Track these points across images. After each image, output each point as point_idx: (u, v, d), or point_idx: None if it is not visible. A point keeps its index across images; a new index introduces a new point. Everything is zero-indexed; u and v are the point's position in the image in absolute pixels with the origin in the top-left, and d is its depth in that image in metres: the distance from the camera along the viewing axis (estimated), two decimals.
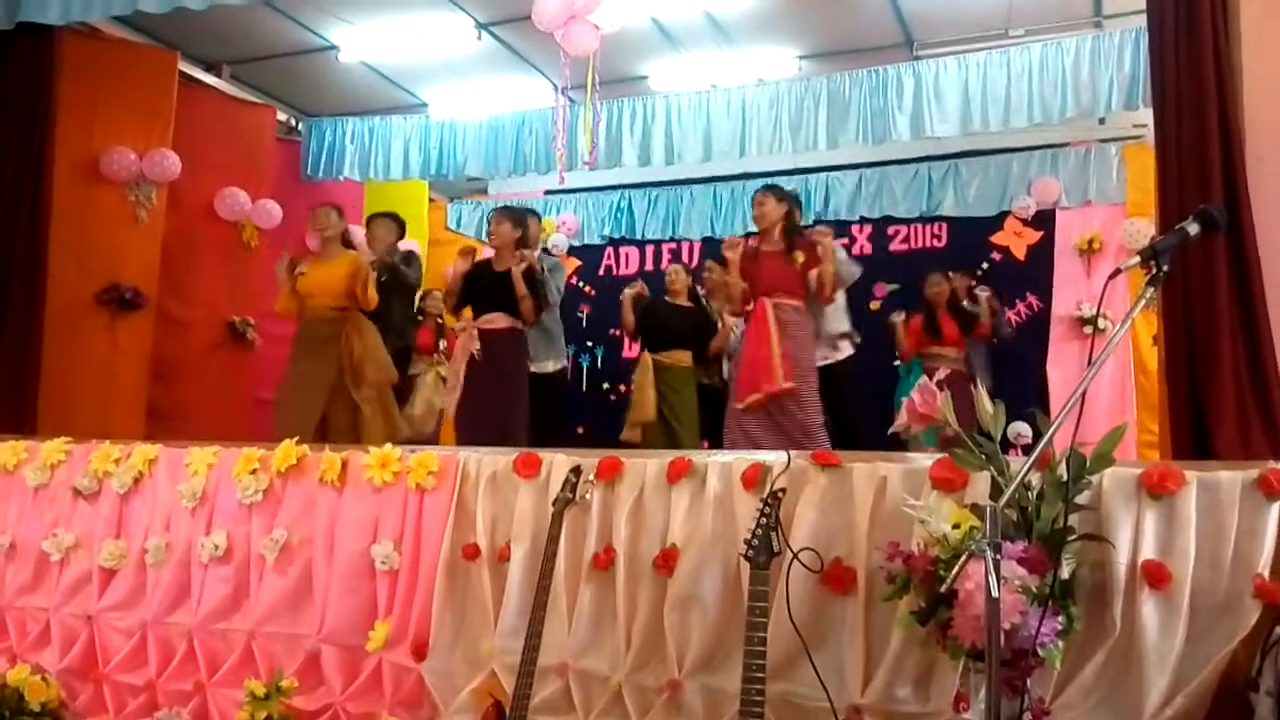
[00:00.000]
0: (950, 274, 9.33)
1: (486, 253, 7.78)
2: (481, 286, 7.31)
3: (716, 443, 7.66)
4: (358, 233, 8.44)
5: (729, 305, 7.04)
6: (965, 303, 9.34)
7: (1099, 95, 8.24)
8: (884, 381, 9.60)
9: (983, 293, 9.27)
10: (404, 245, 8.44)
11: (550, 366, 8.03)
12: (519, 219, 7.52)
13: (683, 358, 8.21)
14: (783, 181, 11.29)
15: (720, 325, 8.54)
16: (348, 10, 9.57)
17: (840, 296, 7.45)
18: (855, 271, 7.54)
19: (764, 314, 6.58)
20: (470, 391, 7.12)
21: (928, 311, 9.06)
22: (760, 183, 10.71)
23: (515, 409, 7.19)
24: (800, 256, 6.68)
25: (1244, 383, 4.65)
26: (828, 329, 7.50)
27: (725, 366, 8.66)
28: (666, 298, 8.56)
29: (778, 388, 6.38)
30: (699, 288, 8.90)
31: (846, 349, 7.74)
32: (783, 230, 6.82)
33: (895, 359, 10.02)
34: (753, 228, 11.64)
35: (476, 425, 6.97)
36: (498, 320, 7.17)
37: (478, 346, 7.09)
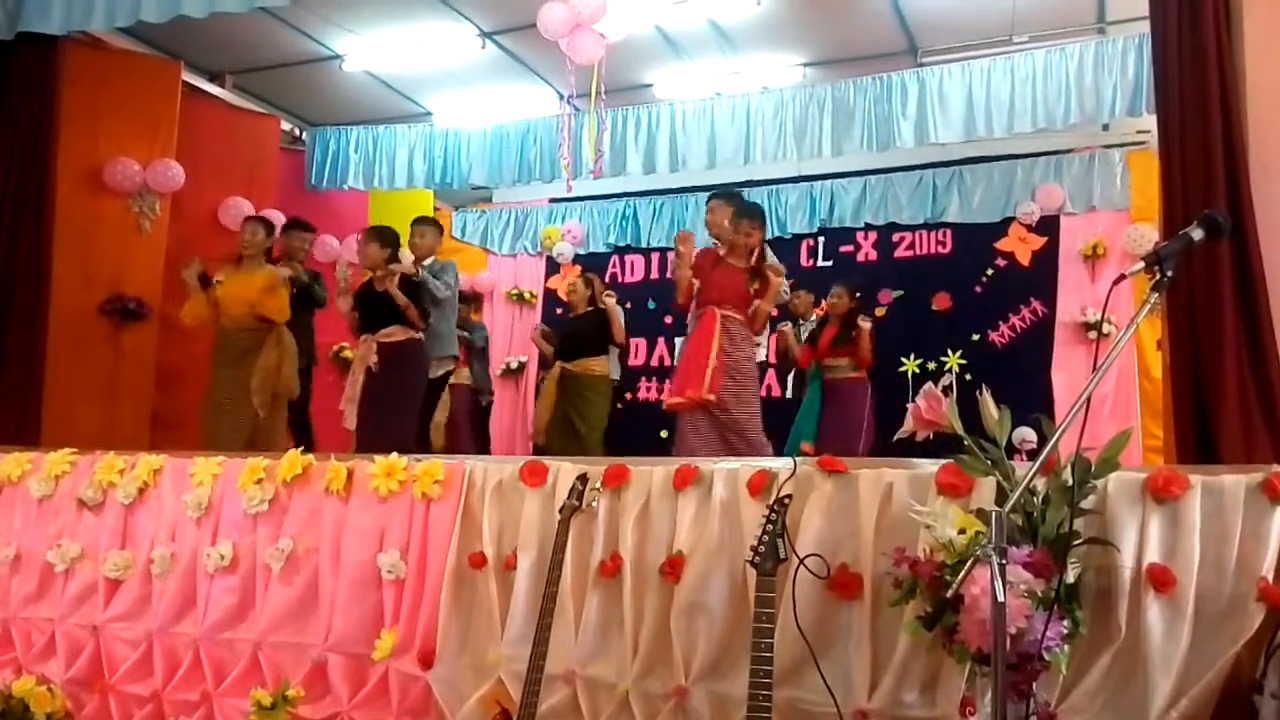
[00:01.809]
0: (846, 289, 9.21)
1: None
2: (369, 306, 7.43)
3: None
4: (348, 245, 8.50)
5: (680, 296, 7.05)
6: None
7: (1103, 101, 8.25)
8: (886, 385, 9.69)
9: (865, 324, 9.14)
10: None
11: (442, 369, 8.12)
12: (386, 238, 7.56)
13: (592, 365, 8.68)
14: (788, 189, 11.44)
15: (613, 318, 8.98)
16: (351, 19, 9.59)
17: None
18: (783, 300, 8.15)
19: (712, 323, 6.72)
20: (369, 402, 7.27)
21: (820, 322, 9.29)
22: (766, 190, 10.84)
23: (408, 419, 7.38)
24: (757, 284, 6.87)
25: (1248, 387, 4.65)
26: None
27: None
28: (569, 313, 9.04)
29: (701, 397, 6.53)
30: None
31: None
32: (757, 256, 6.91)
33: (898, 365, 10.63)
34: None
35: (373, 434, 7.05)
36: (395, 333, 7.31)
37: (375, 359, 7.25)
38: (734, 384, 6.64)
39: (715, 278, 6.84)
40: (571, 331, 8.91)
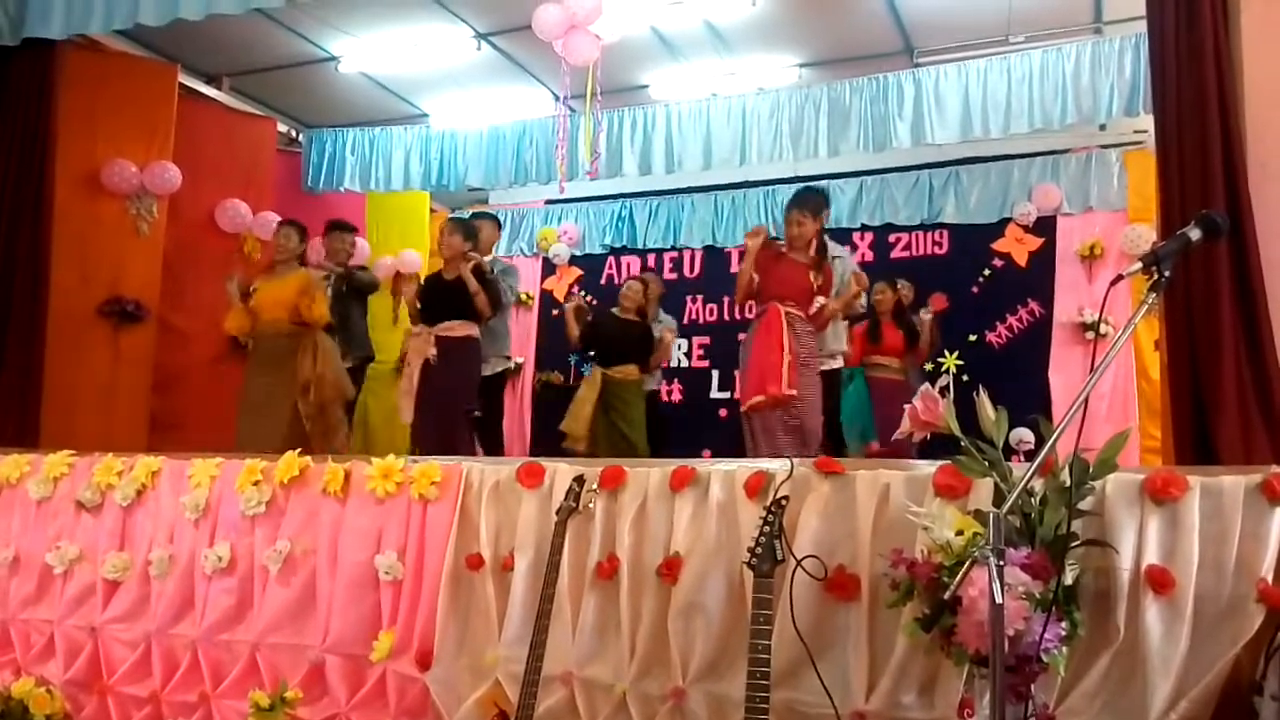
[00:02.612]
0: (898, 284, 9.22)
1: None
2: (435, 297, 7.52)
3: (665, 451, 7.91)
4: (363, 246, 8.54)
5: (739, 292, 6.96)
6: (914, 318, 9.26)
7: (1099, 101, 8.25)
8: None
9: (926, 315, 9.18)
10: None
11: (497, 366, 8.27)
12: (469, 231, 7.71)
13: (631, 371, 8.52)
14: (784, 189, 11.42)
15: (660, 341, 8.90)
16: (347, 21, 9.58)
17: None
18: (861, 310, 7.89)
19: (777, 319, 6.51)
20: (425, 396, 7.33)
21: (872, 319, 9.02)
22: (762, 190, 10.81)
23: (463, 415, 7.46)
24: (820, 279, 6.70)
25: (1246, 387, 4.65)
26: (829, 345, 7.64)
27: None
28: (616, 311, 8.85)
29: (782, 392, 6.34)
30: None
31: (837, 363, 7.92)
32: (816, 246, 6.79)
33: None
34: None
35: (428, 429, 7.18)
36: (455, 328, 7.38)
37: (434, 352, 7.28)
38: (800, 386, 6.43)
39: (776, 273, 6.66)
40: (616, 336, 8.71)
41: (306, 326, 7.29)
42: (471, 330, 7.42)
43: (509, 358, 8.48)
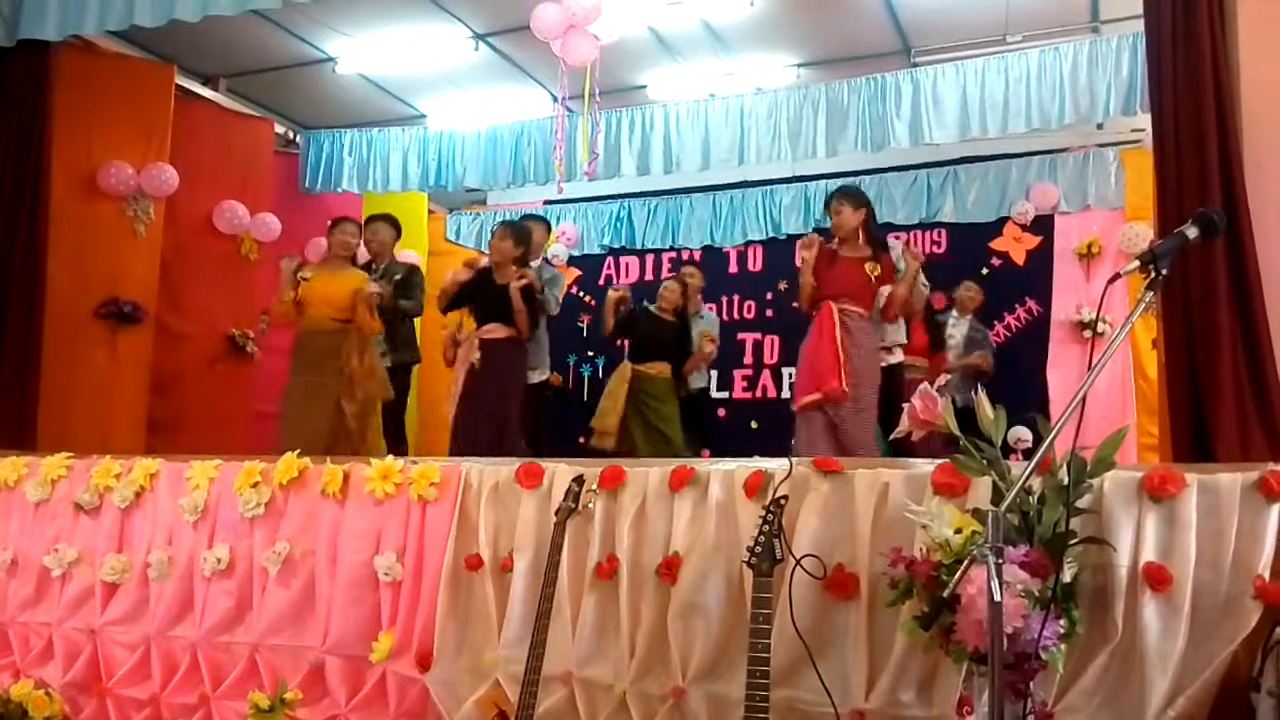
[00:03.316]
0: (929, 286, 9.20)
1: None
2: (482, 296, 7.44)
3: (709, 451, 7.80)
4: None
5: (803, 303, 6.79)
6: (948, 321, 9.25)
7: (1097, 100, 8.24)
8: None
9: (977, 332, 9.14)
10: (406, 257, 8.48)
11: (537, 377, 8.16)
12: (521, 235, 7.63)
13: (664, 369, 8.46)
14: (782, 189, 11.44)
15: (699, 351, 8.82)
16: (344, 22, 9.58)
17: None
18: (925, 294, 7.77)
19: (830, 316, 6.41)
20: (469, 399, 7.27)
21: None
22: (761, 191, 10.80)
23: (512, 417, 7.34)
24: (877, 269, 6.59)
25: (1243, 385, 4.65)
26: (886, 338, 7.53)
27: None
28: (653, 308, 8.75)
29: (840, 388, 6.23)
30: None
31: (898, 356, 7.76)
32: (865, 237, 6.69)
33: None
34: (753, 236, 11.80)
35: (474, 433, 7.10)
36: (498, 330, 7.32)
37: (478, 355, 7.18)
38: (851, 389, 6.30)
39: (830, 273, 6.55)
40: (649, 335, 8.65)
41: (349, 323, 7.16)
42: (514, 333, 7.36)
43: (550, 367, 8.41)
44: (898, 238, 11.38)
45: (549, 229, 8.65)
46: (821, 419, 6.34)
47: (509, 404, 7.35)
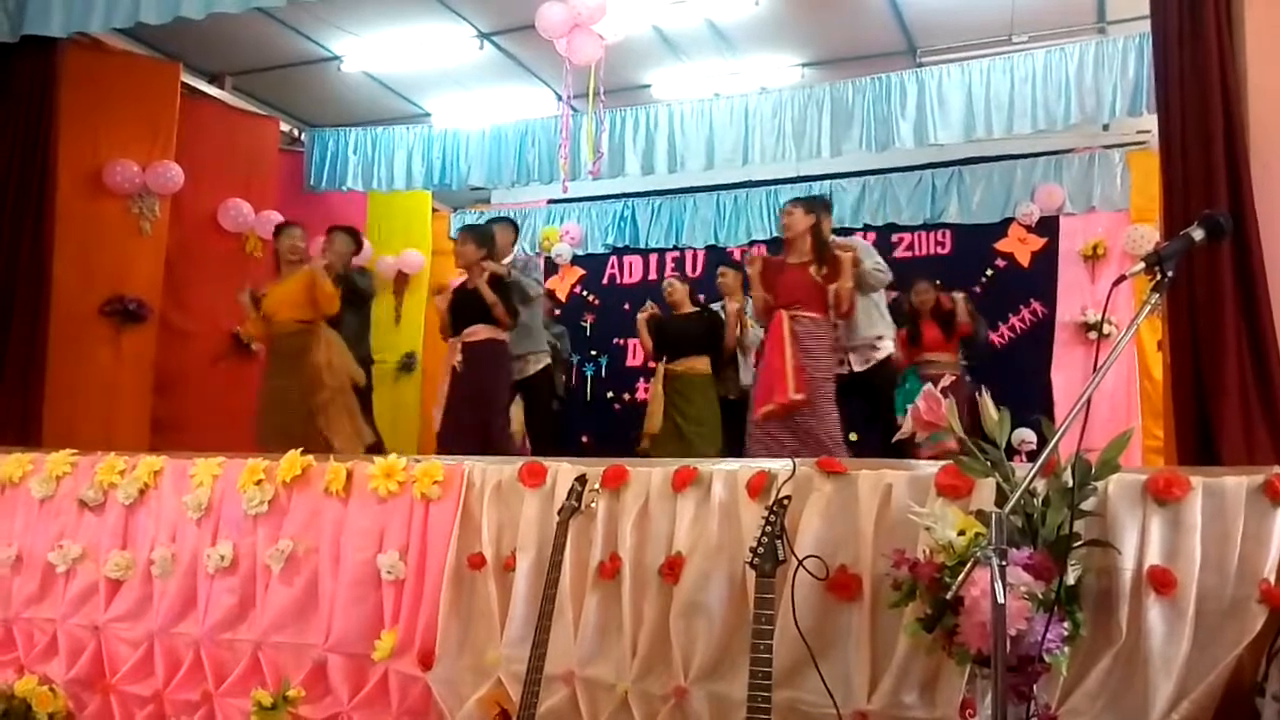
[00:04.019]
0: (937, 284, 9.18)
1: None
2: (461, 307, 7.52)
3: (736, 454, 7.71)
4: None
5: (758, 316, 7.07)
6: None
7: (1103, 101, 8.24)
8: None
9: (958, 295, 9.11)
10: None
11: (532, 368, 8.12)
12: (484, 238, 7.72)
13: (697, 364, 8.30)
14: (786, 189, 11.42)
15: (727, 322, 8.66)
16: (350, 21, 9.58)
17: (878, 297, 7.70)
18: (884, 278, 7.64)
19: (779, 326, 6.59)
20: (453, 403, 7.35)
21: (911, 320, 8.93)
22: (765, 190, 10.79)
23: (496, 419, 7.43)
24: (823, 269, 6.70)
25: (1249, 388, 4.65)
26: (864, 333, 7.59)
27: (742, 374, 8.84)
28: (672, 310, 8.64)
29: (789, 399, 6.37)
30: (700, 295, 9.01)
31: (887, 347, 7.77)
32: (811, 242, 6.80)
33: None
34: (757, 236, 11.78)
35: (459, 435, 7.12)
36: (478, 332, 7.40)
37: (459, 359, 7.30)
38: (806, 394, 6.43)
39: (780, 282, 6.73)
40: (678, 333, 8.55)
41: (312, 323, 7.27)
42: (496, 334, 7.40)
43: (548, 353, 8.33)
44: (900, 238, 11.46)
45: (516, 230, 8.63)
46: (781, 425, 6.50)
47: (492, 406, 7.43)
